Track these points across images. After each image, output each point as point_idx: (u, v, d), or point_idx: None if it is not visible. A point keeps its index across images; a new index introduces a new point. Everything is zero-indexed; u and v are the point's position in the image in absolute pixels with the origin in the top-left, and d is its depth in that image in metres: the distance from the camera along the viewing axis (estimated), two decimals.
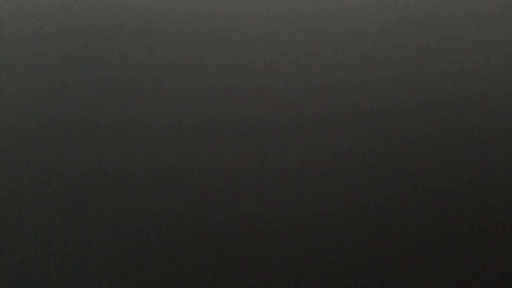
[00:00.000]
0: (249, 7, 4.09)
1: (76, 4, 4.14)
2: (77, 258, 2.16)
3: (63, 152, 2.71)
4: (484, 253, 2.17)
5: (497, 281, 2.06)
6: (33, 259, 2.16)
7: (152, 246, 2.21)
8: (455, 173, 2.55)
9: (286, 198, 2.43)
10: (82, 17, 3.98)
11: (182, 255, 2.17)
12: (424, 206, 2.38)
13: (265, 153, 2.69)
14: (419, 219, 2.32)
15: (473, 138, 2.77)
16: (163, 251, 2.19)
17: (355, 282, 2.06)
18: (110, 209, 2.38)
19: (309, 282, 2.07)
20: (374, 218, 2.32)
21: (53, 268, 2.12)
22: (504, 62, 3.37)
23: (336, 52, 3.52)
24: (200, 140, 2.78)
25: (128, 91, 3.15)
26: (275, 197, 2.44)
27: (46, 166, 2.61)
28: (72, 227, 2.30)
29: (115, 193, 2.47)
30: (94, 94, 3.13)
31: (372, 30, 3.76)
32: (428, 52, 3.50)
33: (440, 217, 2.33)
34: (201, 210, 2.37)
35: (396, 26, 3.81)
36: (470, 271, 2.10)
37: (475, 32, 3.71)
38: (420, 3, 4.11)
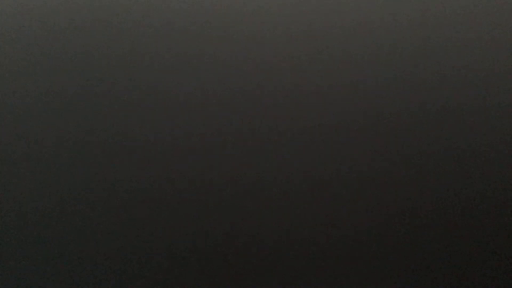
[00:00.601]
0: (249, 6, 4.08)
1: (75, 3, 4.14)
2: (77, 258, 2.16)
3: (63, 152, 2.71)
4: (484, 253, 2.17)
5: (497, 281, 2.06)
6: (33, 259, 2.16)
7: (152, 247, 2.21)
8: (458, 176, 2.55)
9: (286, 203, 2.43)
10: (80, 15, 3.98)
11: (182, 259, 2.18)
12: (427, 208, 2.38)
13: (264, 152, 2.69)
14: (423, 223, 2.32)
15: (477, 139, 2.76)
16: (163, 251, 2.19)
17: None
18: (110, 209, 2.39)
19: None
20: (377, 224, 2.32)
21: (53, 268, 2.12)
22: (504, 62, 3.37)
23: (336, 52, 3.51)
24: (199, 139, 2.78)
25: (128, 90, 3.15)
26: (274, 199, 2.44)
27: (45, 167, 2.62)
28: (72, 227, 2.30)
29: (115, 193, 2.47)
30: (94, 93, 3.13)
31: (373, 30, 3.76)
32: (431, 52, 3.50)
33: (442, 220, 2.33)
34: (201, 212, 2.37)
35: (397, 25, 3.81)
36: (470, 271, 2.10)
37: (477, 33, 3.71)
38: (421, 3, 4.11)
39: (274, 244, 2.21)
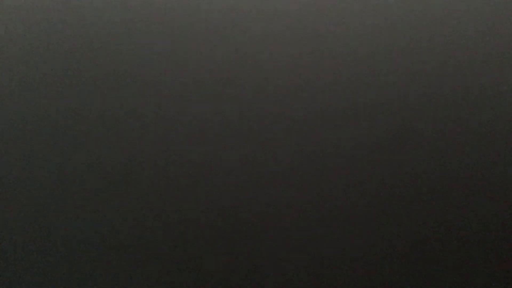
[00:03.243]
0: (249, 5, 4.09)
1: (74, 2, 4.14)
2: (76, 258, 2.16)
3: (62, 151, 2.71)
4: (484, 253, 2.17)
5: (498, 281, 2.06)
6: (33, 259, 2.16)
7: (151, 245, 2.21)
8: (456, 170, 2.55)
9: (284, 196, 2.43)
10: (79, 14, 3.98)
11: (181, 253, 2.18)
12: (423, 205, 2.38)
13: (263, 150, 2.69)
14: (417, 219, 2.32)
15: (475, 136, 2.76)
16: (162, 250, 2.19)
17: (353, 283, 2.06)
18: (109, 208, 2.39)
19: (305, 282, 2.07)
20: (372, 217, 2.32)
21: (52, 268, 2.12)
22: (505, 62, 3.37)
23: (336, 51, 3.51)
24: (197, 139, 2.78)
25: (127, 90, 3.15)
26: (272, 195, 2.44)
27: (44, 165, 2.62)
28: (71, 228, 2.30)
29: (114, 192, 2.47)
30: (93, 93, 3.13)
31: (373, 29, 3.76)
32: (431, 51, 3.50)
33: (438, 216, 2.33)
34: (199, 208, 2.37)
35: (398, 25, 3.81)
36: (470, 272, 2.10)
37: (478, 32, 3.71)
38: (421, 3, 4.11)
39: (272, 241, 2.22)
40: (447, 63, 3.38)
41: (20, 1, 4.19)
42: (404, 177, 2.53)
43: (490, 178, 2.52)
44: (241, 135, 2.81)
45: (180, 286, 2.05)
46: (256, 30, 3.76)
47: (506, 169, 2.57)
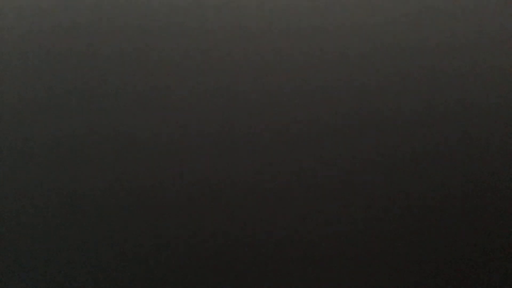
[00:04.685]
0: (249, 5, 4.08)
1: (73, 2, 4.14)
2: (76, 259, 2.16)
3: (62, 151, 2.71)
4: (484, 255, 2.17)
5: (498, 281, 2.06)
6: (32, 259, 2.16)
7: (152, 248, 2.21)
8: (459, 175, 2.55)
9: (286, 202, 2.43)
10: (78, 14, 3.97)
11: (183, 259, 2.18)
12: (427, 209, 2.38)
13: (262, 154, 2.69)
14: (422, 222, 2.32)
15: (478, 140, 2.77)
16: (163, 254, 2.19)
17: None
18: (109, 209, 2.39)
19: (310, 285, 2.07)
20: (377, 223, 2.32)
21: (51, 268, 2.12)
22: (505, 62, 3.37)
23: (336, 52, 3.51)
24: (197, 140, 2.78)
25: (127, 91, 3.15)
26: (273, 199, 2.44)
27: (44, 166, 2.62)
28: (71, 227, 2.30)
29: (114, 192, 2.47)
30: (93, 93, 3.13)
31: (374, 29, 3.76)
32: (432, 52, 3.50)
33: (443, 221, 2.33)
34: (199, 213, 2.37)
35: (398, 25, 3.80)
36: (470, 272, 2.10)
37: (478, 32, 3.71)
38: (422, 3, 4.11)
39: (272, 245, 2.21)
40: (449, 63, 3.38)
41: (20, 1, 4.19)
42: (405, 178, 2.53)
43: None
44: (239, 136, 2.81)
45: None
46: (254, 29, 3.76)
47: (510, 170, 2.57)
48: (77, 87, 3.18)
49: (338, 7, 4.06)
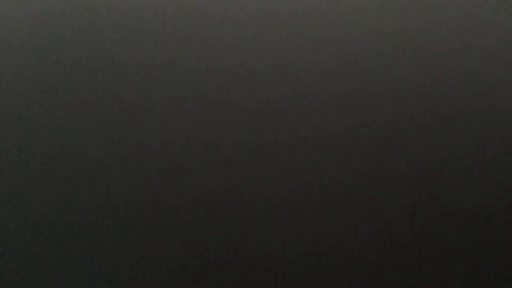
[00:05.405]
0: (249, 8, 4.08)
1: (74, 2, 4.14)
2: (76, 259, 2.16)
3: (62, 152, 2.71)
4: (484, 254, 2.17)
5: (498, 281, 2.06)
6: (32, 259, 2.15)
7: (151, 248, 2.21)
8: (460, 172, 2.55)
9: (287, 205, 2.43)
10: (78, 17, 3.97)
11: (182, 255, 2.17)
12: (426, 207, 2.38)
13: (262, 155, 2.69)
14: (422, 220, 2.32)
15: (479, 139, 2.77)
16: (162, 253, 2.19)
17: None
18: (109, 209, 2.39)
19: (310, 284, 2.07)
20: (378, 223, 2.32)
21: (52, 268, 2.12)
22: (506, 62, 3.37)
23: (335, 56, 3.51)
24: (196, 141, 2.78)
25: (127, 92, 3.15)
26: (273, 200, 2.44)
27: (43, 167, 2.61)
28: (71, 228, 2.30)
29: (113, 194, 2.47)
30: (92, 94, 3.13)
31: (374, 33, 3.76)
32: (432, 56, 3.50)
33: (442, 218, 2.33)
34: (200, 212, 2.37)
35: (397, 27, 3.80)
36: (470, 272, 2.10)
37: (478, 34, 3.71)
38: (423, 4, 4.11)
39: (277, 252, 2.21)
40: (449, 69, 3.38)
41: (20, 1, 4.19)
42: (407, 184, 2.53)
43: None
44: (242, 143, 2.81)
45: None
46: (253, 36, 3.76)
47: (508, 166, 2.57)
48: (77, 87, 3.18)
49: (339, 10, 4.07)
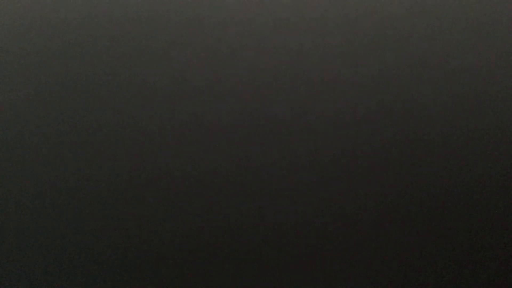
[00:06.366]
0: (248, 10, 4.08)
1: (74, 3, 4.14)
2: (75, 259, 2.16)
3: (61, 152, 2.71)
4: (485, 255, 2.17)
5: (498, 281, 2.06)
6: (32, 259, 2.16)
7: (151, 248, 2.21)
8: (457, 173, 2.55)
9: (284, 199, 2.43)
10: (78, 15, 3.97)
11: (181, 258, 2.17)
12: (424, 207, 2.38)
13: (262, 153, 2.69)
14: (419, 222, 2.32)
15: (476, 138, 2.76)
16: (162, 254, 2.19)
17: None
18: (109, 211, 2.38)
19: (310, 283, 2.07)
20: (374, 221, 2.32)
21: (51, 269, 2.12)
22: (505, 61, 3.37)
23: (335, 51, 3.51)
24: (196, 143, 2.78)
25: (127, 93, 3.15)
26: (273, 198, 2.44)
27: (43, 168, 2.61)
28: (71, 229, 2.30)
29: (113, 194, 2.47)
30: (93, 94, 3.13)
31: (373, 28, 3.75)
32: (430, 51, 3.50)
33: (441, 219, 2.33)
34: (199, 212, 2.37)
35: (396, 24, 3.80)
36: (470, 272, 2.10)
37: (478, 30, 3.71)
38: (422, 3, 4.11)
39: (273, 241, 2.21)
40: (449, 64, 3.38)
41: (20, 1, 4.19)
42: (407, 178, 2.53)
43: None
44: (243, 135, 2.81)
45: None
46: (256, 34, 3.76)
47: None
48: (75, 83, 3.18)
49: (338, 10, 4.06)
